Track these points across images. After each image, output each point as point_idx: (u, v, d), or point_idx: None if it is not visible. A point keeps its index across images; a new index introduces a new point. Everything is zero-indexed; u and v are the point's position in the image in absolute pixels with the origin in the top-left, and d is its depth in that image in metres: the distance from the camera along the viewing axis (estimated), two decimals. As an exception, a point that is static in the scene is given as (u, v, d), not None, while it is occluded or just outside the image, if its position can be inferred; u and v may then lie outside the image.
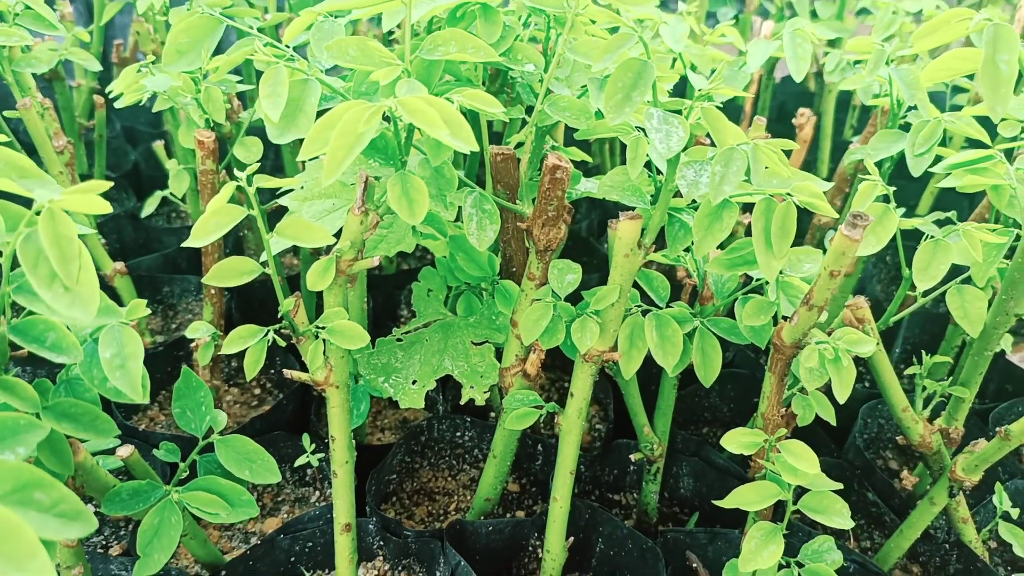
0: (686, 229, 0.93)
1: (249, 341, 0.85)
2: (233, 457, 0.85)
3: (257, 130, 1.32)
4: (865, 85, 1.40)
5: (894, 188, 1.04)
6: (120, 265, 1.37)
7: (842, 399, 0.87)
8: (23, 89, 1.39)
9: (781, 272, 0.93)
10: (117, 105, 1.20)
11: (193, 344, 1.19)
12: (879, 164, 1.36)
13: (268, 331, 0.85)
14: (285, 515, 1.18)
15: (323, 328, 0.87)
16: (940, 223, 1.13)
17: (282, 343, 0.89)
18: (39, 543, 0.56)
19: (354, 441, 1.27)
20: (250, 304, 1.47)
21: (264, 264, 0.84)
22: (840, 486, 0.91)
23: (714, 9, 2.26)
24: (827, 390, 1.01)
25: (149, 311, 0.80)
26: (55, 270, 0.63)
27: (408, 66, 0.84)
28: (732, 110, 2.16)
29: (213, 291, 1.21)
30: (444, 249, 1.17)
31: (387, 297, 1.50)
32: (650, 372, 1.24)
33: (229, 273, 0.83)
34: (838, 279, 0.83)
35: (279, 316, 0.85)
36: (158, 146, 1.86)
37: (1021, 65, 0.77)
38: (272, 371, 1.38)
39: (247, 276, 0.83)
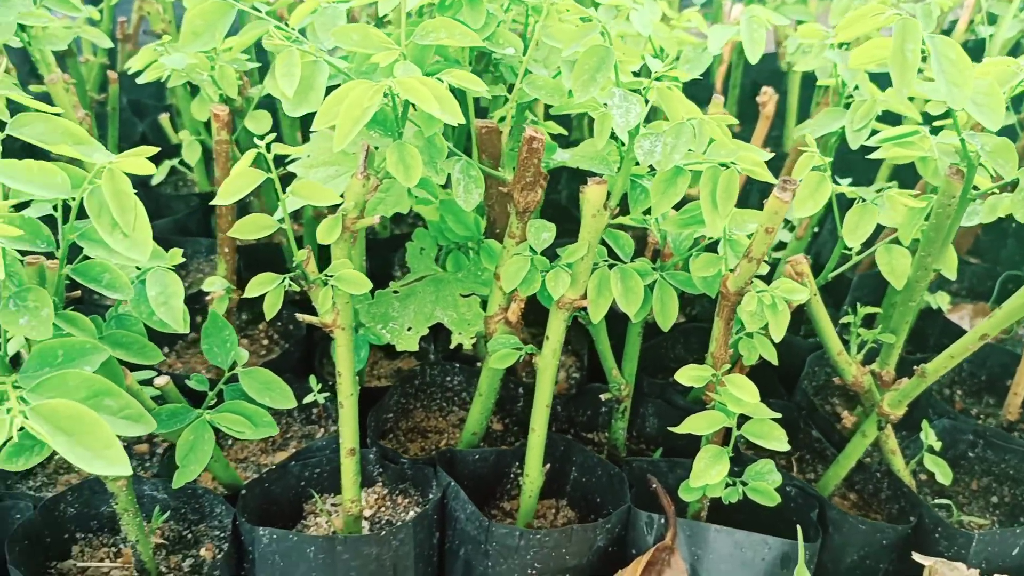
0: (646, 193, 1.07)
1: (268, 287, 0.98)
2: (255, 386, 1.00)
3: (264, 104, 1.45)
4: (816, 67, 1.53)
5: (853, 159, 1.17)
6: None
7: (777, 338, 1.02)
8: (46, 65, 1.52)
9: (727, 231, 1.07)
10: (138, 81, 1.33)
11: (208, 297, 1.32)
12: (828, 138, 1.50)
13: (284, 278, 0.99)
14: (293, 450, 1.32)
15: (331, 276, 1.00)
16: (880, 191, 1.27)
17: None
18: (114, 436, 0.70)
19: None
20: (255, 264, 1.59)
21: (280, 221, 0.97)
22: (778, 415, 1.05)
23: (691, -9, 2.38)
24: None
25: (183, 259, 0.93)
26: (115, 219, 0.77)
27: (404, 50, 0.97)
28: (705, 87, 2.29)
29: (227, 249, 1.34)
30: (434, 214, 1.31)
31: (382, 259, 1.64)
32: (620, 325, 1.39)
33: (251, 227, 0.97)
34: (773, 235, 0.98)
35: (293, 266, 0.99)
36: (164, 119, 1.98)
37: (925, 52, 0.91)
38: (279, 323, 1.52)
39: (266, 230, 0.97)
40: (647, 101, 0.99)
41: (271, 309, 0.99)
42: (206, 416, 0.98)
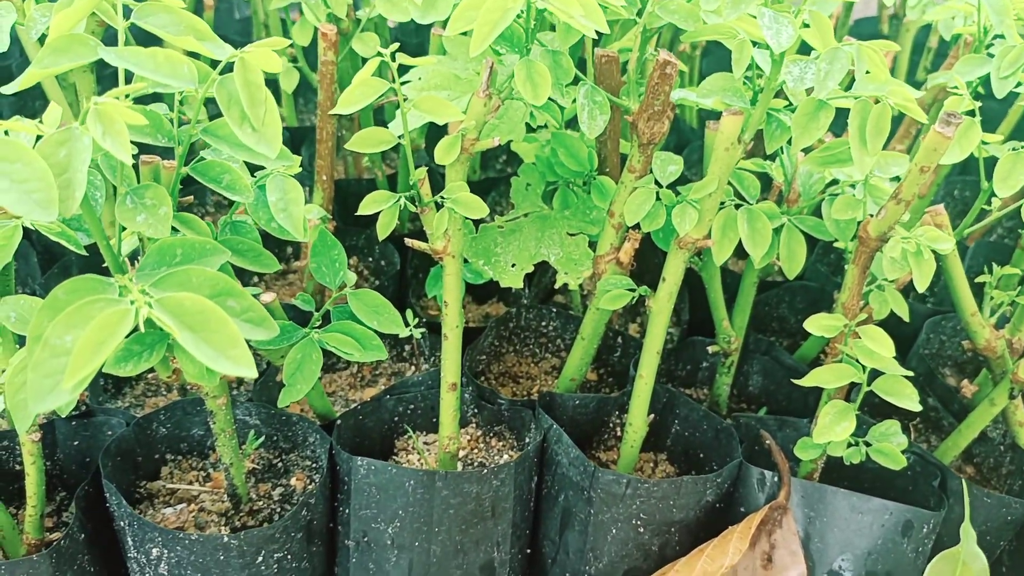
0: (783, 128, 0.99)
1: (383, 205, 0.94)
2: (363, 308, 0.95)
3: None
4: (948, 16, 1.44)
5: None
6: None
7: (922, 288, 0.95)
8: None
9: (870, 173, 1.00)
10: (244, -3, 1.29)
11: (303, 226, 1.28)
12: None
13: (399, 197, 0.94)
14: (382, 387, 1.29)
15: (446, 199, 0.95)
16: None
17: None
18: (240, 335, 0.66)
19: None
20: (347, 200, 1.56)
21: (400, 137, 0.93)
22: (911, 373, 0.98)
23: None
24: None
25: (300, 168, 0.89)
26: (245, 112, 0.72)
27: (540, -42, 0.91)
28: (806, 48, 2.19)
29: (324, 177, 1.30)
30: (534, 153, 1.25)
31: (473, 201, 1.59)
32: (725, 280, 1.32)
33: (370, 140, 0.92)
34: (927, 175, 0.90)
35: (410, 184, 0.94)
36: (252, 52, 1.95)
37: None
38: (371, 258, 1.48)
39: (384, 144, 0.92)
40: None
41: (384, 229, 0.94)
42: (314, 335, 0.94)
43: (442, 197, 0.96)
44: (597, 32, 0.85)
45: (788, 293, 1.45)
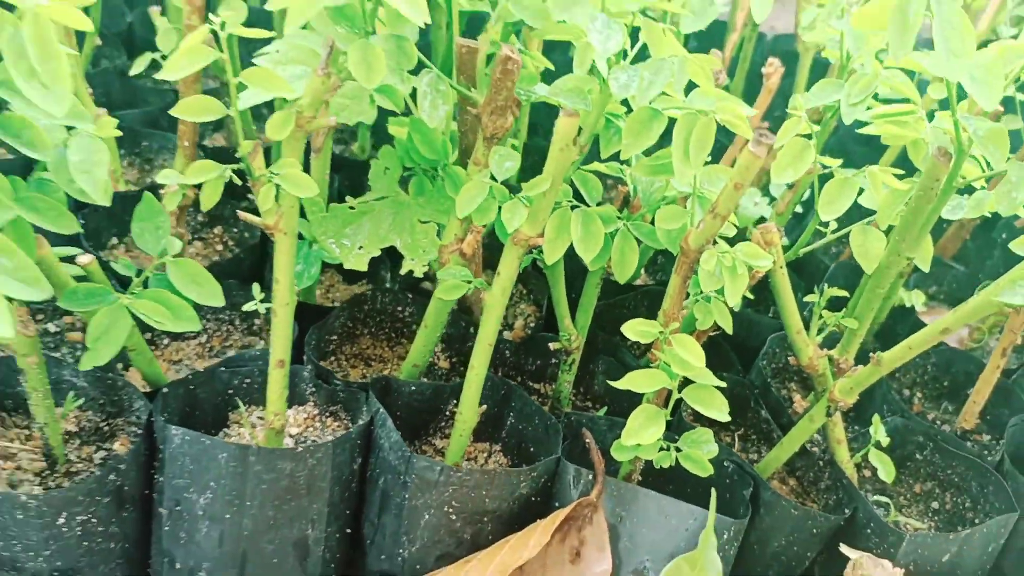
0: (619, 134, 1.02)
1: (209, 174, 0.93)
2: (183, 278, 0.95)
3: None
4: (827, 40, 1.48)
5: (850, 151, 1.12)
6: (102, 111, 1.44)
7: (732, 303, 0.98)
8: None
9: (698, 185, 1.03)
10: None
11: (163, 191, 1.27)
12: (828, 121, 1.45)
13: (226, 168, 0.94)
14: (230, 358, 1.28)
15: (276, 174, 0.95)
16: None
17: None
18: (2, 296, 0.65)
19: (305, 300, 1.38)
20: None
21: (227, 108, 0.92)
22: (721, 383, 1.01)
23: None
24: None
25: (119, 132, 0.88)
26: (35, 67, 0.71)
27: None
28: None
29: (187, 143, 1.29)
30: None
31: (353, 179, 1.59)
32: (583, 279, 1.34)
33: (198, 108, 0.91)
34: (741, 192, 0.93)
35: (237, 158, 0.94)
36: (154, 11, 1.91)
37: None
38: (235, 228, 1.47)
39: (212, 114, 0.91)
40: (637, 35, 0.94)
41: (209, 200, 0.94)
42: (124, 300, 0.93)
43: (271, 172, 0.96)
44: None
45: (647, 298, 1.47)
